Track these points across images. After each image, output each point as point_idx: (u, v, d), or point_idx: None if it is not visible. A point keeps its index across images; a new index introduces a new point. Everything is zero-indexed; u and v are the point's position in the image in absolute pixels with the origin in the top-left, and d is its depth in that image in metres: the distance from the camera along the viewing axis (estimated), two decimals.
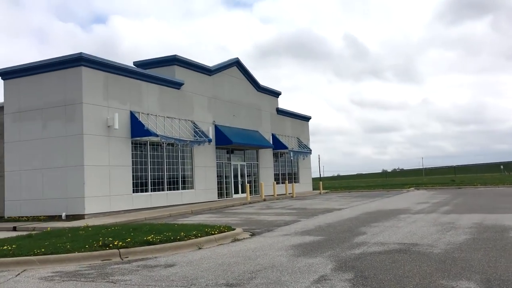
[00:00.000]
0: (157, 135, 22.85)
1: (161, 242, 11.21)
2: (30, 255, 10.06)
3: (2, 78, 22.34)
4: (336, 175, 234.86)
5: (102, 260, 10.16)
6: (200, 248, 11.33)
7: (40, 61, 21.25)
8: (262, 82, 35.82)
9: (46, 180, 20.94)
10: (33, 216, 20.83)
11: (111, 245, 10.68)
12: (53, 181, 20.75)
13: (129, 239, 11.07)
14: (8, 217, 21.59)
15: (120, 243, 10.76)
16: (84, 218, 19.87)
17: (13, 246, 10.89)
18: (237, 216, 19.85)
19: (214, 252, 10.73)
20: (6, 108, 22.18)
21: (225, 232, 13.11)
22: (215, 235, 12.46)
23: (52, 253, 10.23)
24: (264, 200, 29.98)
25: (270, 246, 11.13)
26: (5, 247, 10.77)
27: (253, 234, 13.82)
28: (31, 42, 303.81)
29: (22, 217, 21.08)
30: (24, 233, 15.25)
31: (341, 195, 36.20)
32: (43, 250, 10.32)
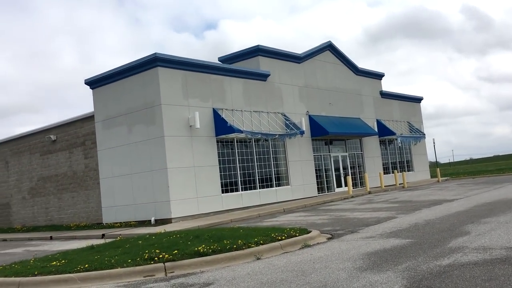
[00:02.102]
0: (241, 131, 21.67)
1: (214, 252, 9.82)
2: (73, 272, 9.28)
3: (90, 88, 22.81)
4: (468, 158, 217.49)
5: (145, 276, 9.05)
6: (258, 259, 9.74)
7: (121, 66, 21.22)
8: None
9: (135, 186, 20.87)
10: (126, 222, 20.88)
11: (156, 258, 9.53)
12: (142, 186, 20.58)
13: (176, 251, 9.83)
14: (105, 224, 21.96)
15: (167, 255, 9.57)
16: (171, 222, 19.37)
17: (63, 261, 10.26)
18: (329, 214, 17.88)
19: (269, 264, 9.05)
20: (96, 117, 22.60)
21: (296, 236, 11.36)
22: (281, 241, 10.77)
23: (95, 269, 9.36)
24: (369, 193, 27.40)
25: (339, 255, 9.15)
26: (54, 263, 10.16)
27: (331, 237, 11.89)
28: None
29: (117, 223, 21.25)
30: (111, 240, 14.92)
31: (462, 182, 32.07)
32: (87, 266, 9.50)
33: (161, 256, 9.57)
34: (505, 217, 12.21)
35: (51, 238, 20.21)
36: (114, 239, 15.15)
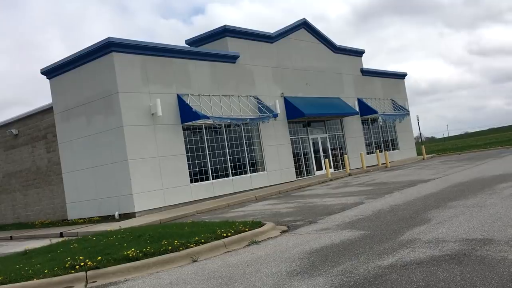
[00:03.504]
0: (208, 117, 20.54)
1: (145, 256, 8.81)
2: None
3: (47, 78, 21.57)
4: (464, 133, 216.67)
5: None
6: (194, 261, 8.76)
7: (76, 53, 19.96)
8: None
9: (97, 179, 19.81)
10: (90, 218, 19.86)
11: (77, 266, 8.51)
12: (103, 179, 19.52)
13: (102, 257, 8.80)
14: (70, 220, 20.94)
15: (90, 263, 8.55)
16: (135, 217, 18.37)
17: None
18: (298, 201, 16.91)
19: (200, 268, 8.06)
20: (55, 108, 21.41)
21: (246, 231, 10.37)
22: (226, 238, 9.78)
23: (10, 282, 8.34)
24: (349, 175, 26.44)
25: (280, 255, 8.17)
26: None
27: (286, 230, 10.94)
28: None
29: (81, 219, 20.24)
30: (73, 238, 13.92)
31: (446, 159, 31.16)
32: (1, 278, 8.47)
33: (82, 264, 8.54)
34: (473, 199, 11.24)
35: (11, 238, 19.21)
36: (69, 238, 14.19)
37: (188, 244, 9.32)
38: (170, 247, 9.11)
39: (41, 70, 21.44)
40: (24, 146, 23.71)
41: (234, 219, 13.55)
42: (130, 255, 8.78)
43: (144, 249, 9.04)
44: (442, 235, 7.83)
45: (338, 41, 32.85)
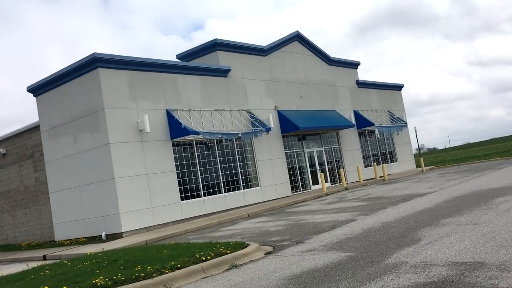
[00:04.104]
0: (197, 133, 20.04)
1: (115, 284, 8.23)
2: None
3: (34, 95, 21.15)
4: (465, 143, 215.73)
5: None
6: None
7: (61, 69, 19.55)
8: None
9: (84, 198, 19.26)
10: (76, 239, 19.27)
11: None
12: (90, 199, 18.97)
13: (65, 287, 8.23)
14: (58, 241, 20.35)
15: None
16: (122, 237, 17.78)
17: None
18: (290, 218, 16.32)
19: None
20: (42, 126, 20.95)
21: (227, 254, 9.81)
22: (205, 262, 9.21)
23: None
24: (346, 189, 25.83)
25: (258, 282, 7.61)
26: None
27: (271, 251, 10.37)
28: None
29: (67, 240, 19.66)
30: (50, 263, 13.33)
31: (444, 171, 30.53)
32: None
33: None
34: (468, 216, 10.65)
35: None
36: (50, 262, 13.59)
37: (163, 270, 8.75)
38: (143, 274, 8.54)
39: (27, 87, 21.02)
40: (12, 166, 23.22)
41: (220, 239, 13.03)
42: (99, 283, 8.21)
43: (114, 277, 8.47)
44: (430, 257, 7.25)
45: (336, 54, 32.67)
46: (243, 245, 10.67)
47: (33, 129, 21.79)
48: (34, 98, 21.22)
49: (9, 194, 23.61)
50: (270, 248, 10.76)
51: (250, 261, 9.66)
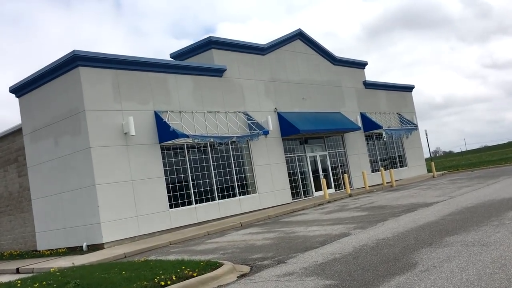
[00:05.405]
0: (187, 136, 18.72)
1: None
2: None
3: (16, 96, 20.04)
4: (483, 146, 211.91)
5: None
6: None
7: (42, 68, 18.38)
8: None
9: (65, 206, 18.05)
10: (57, 249, 18.05)
11: None
12: (71, 206, 17.75)
13: None
14: (40, 251, 19.16)
15: None
16: (104, 248, 16.51)
17: None
18: (281, 229, 14.90)
19: None
20: (24, 129, 19.82)
21: (193, 277, 8.46)
22: None
23: None
24: (350, 195, 24.29)
25: None
26: None
27: (247, 273, 8.98)
28: None
29: (48, 250, 18.46)
30: (28, 275, 12.16)
31: (457, 177, 28.80)
32: None
33: None
34: (475, 233, 9.15)
35: None
36: (25, 275, 12.38)
37: None
38: None
39: (9, 88, 19.92)
40: None
41: (199, 255, 11.78)
42: None
43: None
44: None
45: (349, 57, 30.90)
46: (215, 266, 9.31)
47: (17, 132, 20.68)
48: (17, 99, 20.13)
49: None
50: (246, 269, 9.37)
51: (218, 286, 8.28)
